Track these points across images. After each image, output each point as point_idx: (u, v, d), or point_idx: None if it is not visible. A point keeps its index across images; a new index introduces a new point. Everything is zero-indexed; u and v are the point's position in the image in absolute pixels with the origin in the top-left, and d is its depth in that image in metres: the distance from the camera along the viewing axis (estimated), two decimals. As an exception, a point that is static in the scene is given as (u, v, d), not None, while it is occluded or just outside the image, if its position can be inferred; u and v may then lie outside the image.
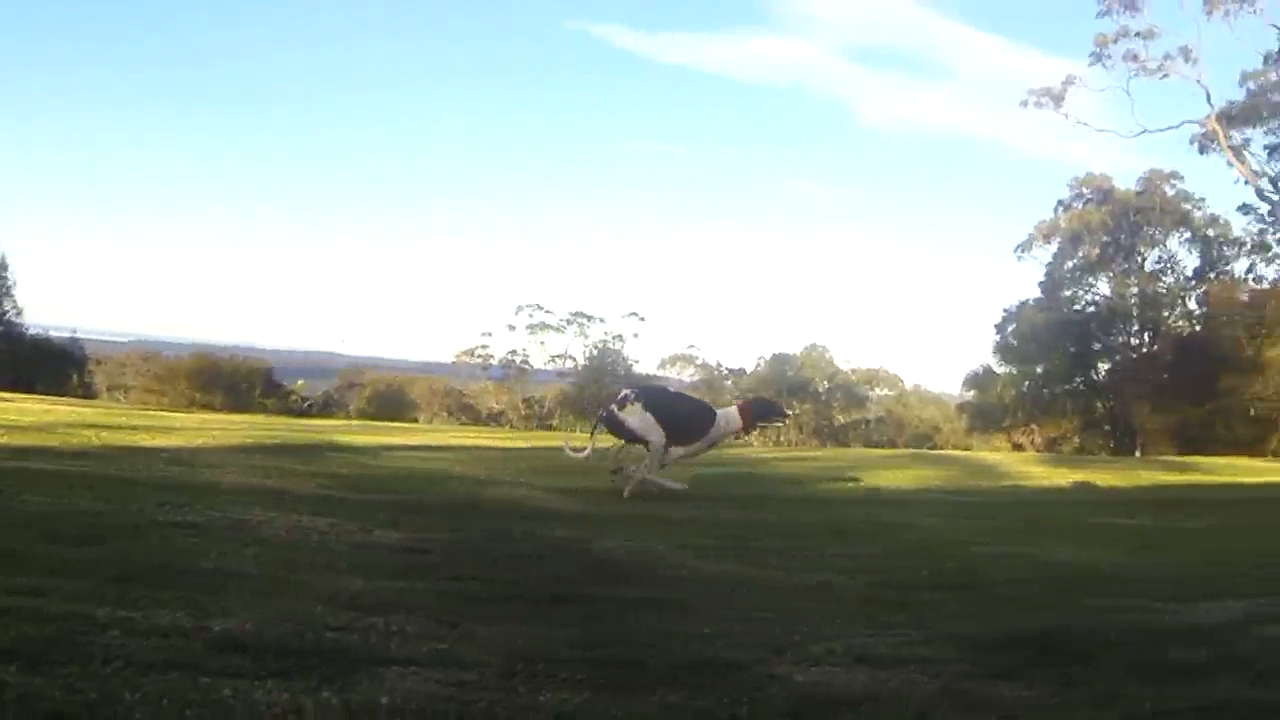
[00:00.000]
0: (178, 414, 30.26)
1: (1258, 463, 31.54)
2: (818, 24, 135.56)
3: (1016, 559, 10.32)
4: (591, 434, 15.24)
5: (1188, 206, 50.96)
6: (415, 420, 52.33)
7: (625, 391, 14.63)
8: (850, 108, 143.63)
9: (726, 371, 64.12)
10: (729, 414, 14.71)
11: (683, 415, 14.50)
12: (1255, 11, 41.44)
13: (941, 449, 49.63)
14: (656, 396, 14.92)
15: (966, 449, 50.01)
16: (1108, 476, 21.81)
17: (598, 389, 55.85)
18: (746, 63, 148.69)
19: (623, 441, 14.52)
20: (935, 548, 10.82)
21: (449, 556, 8.70)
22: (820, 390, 63.49)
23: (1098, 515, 14.31)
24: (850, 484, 18.38)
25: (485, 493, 13.95)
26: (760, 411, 15.40)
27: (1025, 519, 13.96)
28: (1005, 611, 7.65)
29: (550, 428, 53.11)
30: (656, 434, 13.94)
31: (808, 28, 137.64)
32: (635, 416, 14.05)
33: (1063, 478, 21.43)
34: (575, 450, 15.35)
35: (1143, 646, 6.44)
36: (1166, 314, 50.81)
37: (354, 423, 39.56)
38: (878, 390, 67.12)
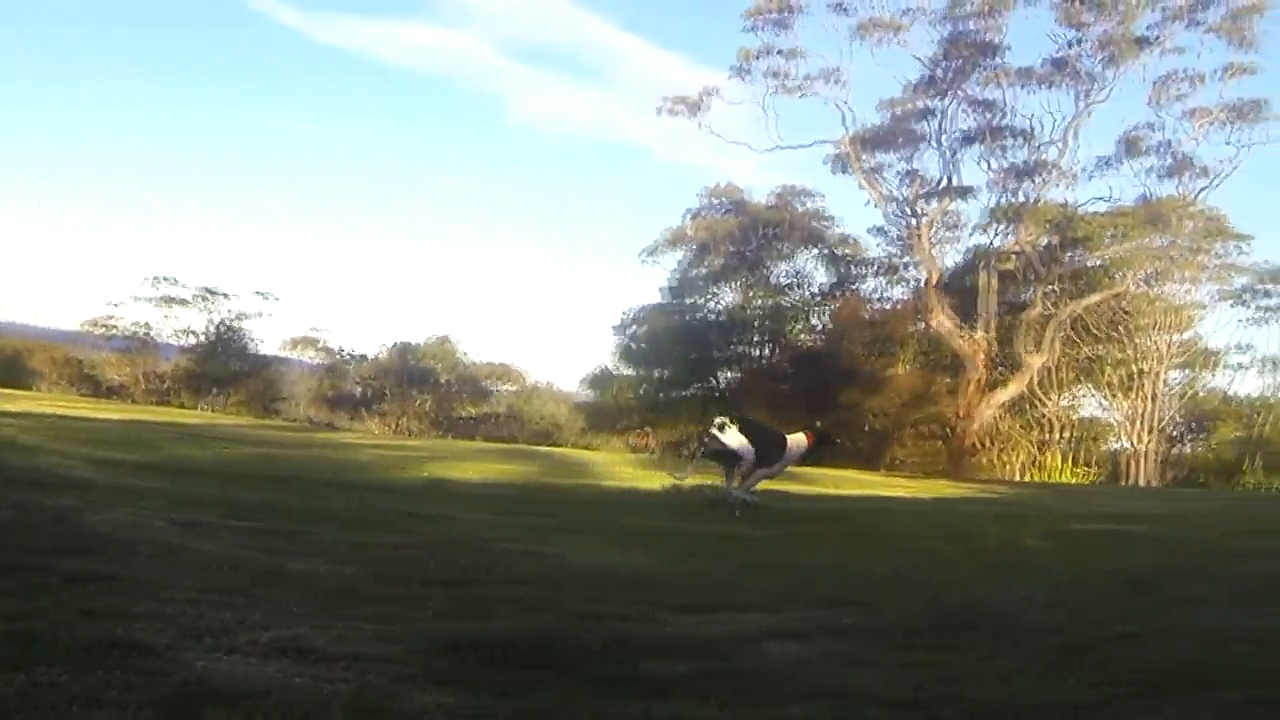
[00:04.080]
0: None
1: (869, 475, 32.54)
2: (475, 16, 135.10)
3: (542, 559, 10.08)
4: (692, 460, 16.70)
5: (820, 224, 52.80)
6: (31, 389, 49.43)
7: (721, 419, 15.94)
8: (502, 103, 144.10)
9: (350, 357, 62.77)
10: (798, 439, 16.27)
11: (765, 440, 15.92)
12: (902, 43, 43.27)
13: (561, 447, 49.78)
14: (746, 422, 16.11)
15: (587, 448, 50.34)
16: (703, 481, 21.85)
17: (216, 366, 55.40)
18: (402, 49, 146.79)
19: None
20: (460, 542, 10.57)
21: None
22: (444, 382, 62.98)
23: (665, 519, 14.31)
24: (424, 475, 17.83)
25: (15, 460, 13.69)
26: (820, 439, 17.01)
27: (581, 519, 13.86)
28: (492, 612, 7.38)
29: (168, 403, 51.50)
30: (749, 451, 15.37)
31: (465, 19, 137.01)
32: (733, 438, 15.35)
33: (656, 481, 21.34)
34: (679, 479, 16.78)
35: (626, 657, 6.27)
36: (790, 327, 52.41)
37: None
38: (503, 385, 67.15)
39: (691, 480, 16.69)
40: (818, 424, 18.22)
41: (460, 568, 8.99)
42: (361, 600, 7.33)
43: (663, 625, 7.32)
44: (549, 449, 38.10)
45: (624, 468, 25.18)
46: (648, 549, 11.22)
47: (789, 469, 17.26)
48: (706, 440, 16.12)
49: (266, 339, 58.91)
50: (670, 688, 5.75)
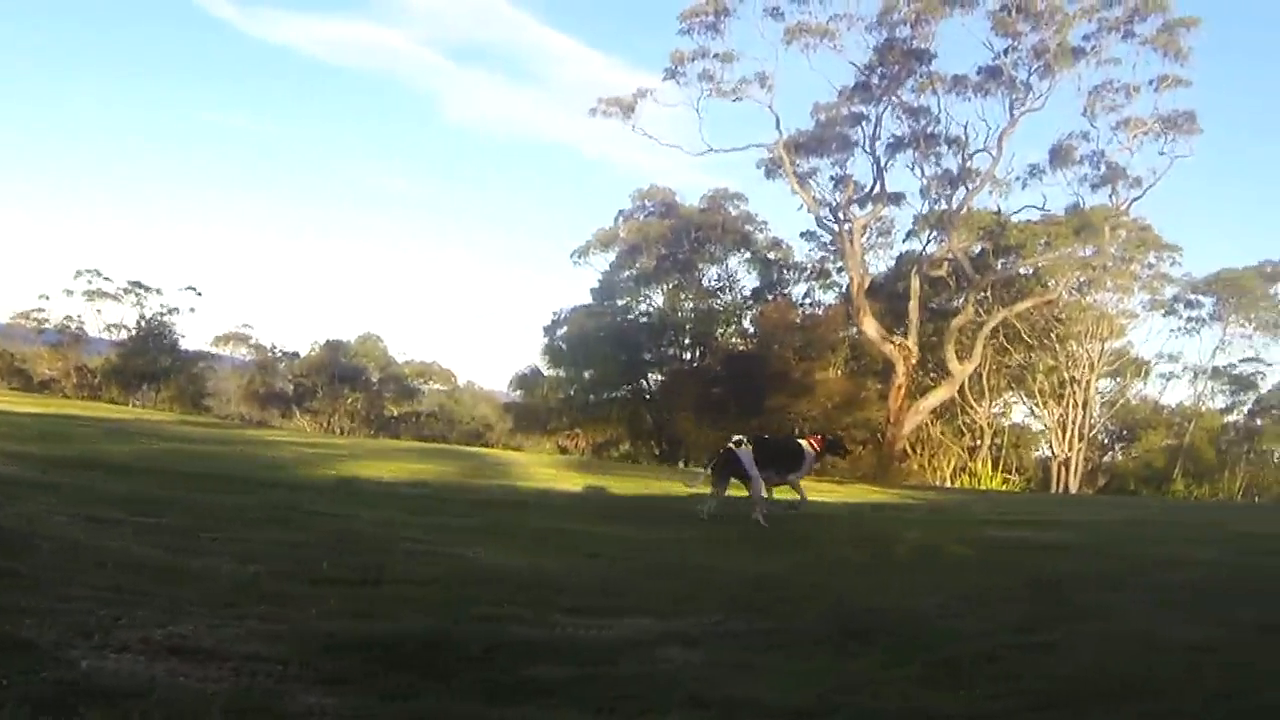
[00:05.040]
0: None
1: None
2: (413, 15, 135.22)
3: (443, 559, 9.88)
4: (706, 470, 17.34)
5: (750, 228, 52.99)
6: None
7: (738, 437, 16.82)
8: (437, 102, 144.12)
9: (280, 354, 62.61)
10: (808, 446, 17.30)
11: (785, 451, 17.20)
12: (836, 48, 43.17)
13: (491, 447, 49.58)
14: (761, 441, 17.24)
15: (516, 449, 50.20)
16: (624, 484, 21.73)
17: (144, 361, 55.26)
18: (337, 46, 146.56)
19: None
20: (363, 542, 10.42)
21: None
22: (373, 380, 62.74)
23: (575, 521, 14.18)
24: (334, 473, 17.56)
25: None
26: (830, 445, 18.18)
27: (490, 519, 13.64)
28: (389, 613, 7.23)
29: (99, 398, 51.50)
30: (756, 471, 16.19)
31: (402, 18, 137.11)
32: (746, 455, 16.22)
33: (575, 482, 21.21)
34: (690, 483, 17.95)
35: (514, 660, 6.16)
36: (720, 330, 52.42)
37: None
38: (431, 384, 67.13)
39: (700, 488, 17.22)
40: (826, 435, 18.93)
41: (359, 567, 8.81)
42: (258, 599, 7.20)
43: (555, 628, 7.17)
44: (475, 449, 37.87)
45: (544, 469, 25.00)
46: (553, 550, 11.08)
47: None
48: (721, 453, 16.78)
49: (196, 334, 59.06)
50: (552, 692, 5.65)
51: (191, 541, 9.32)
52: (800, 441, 17.54)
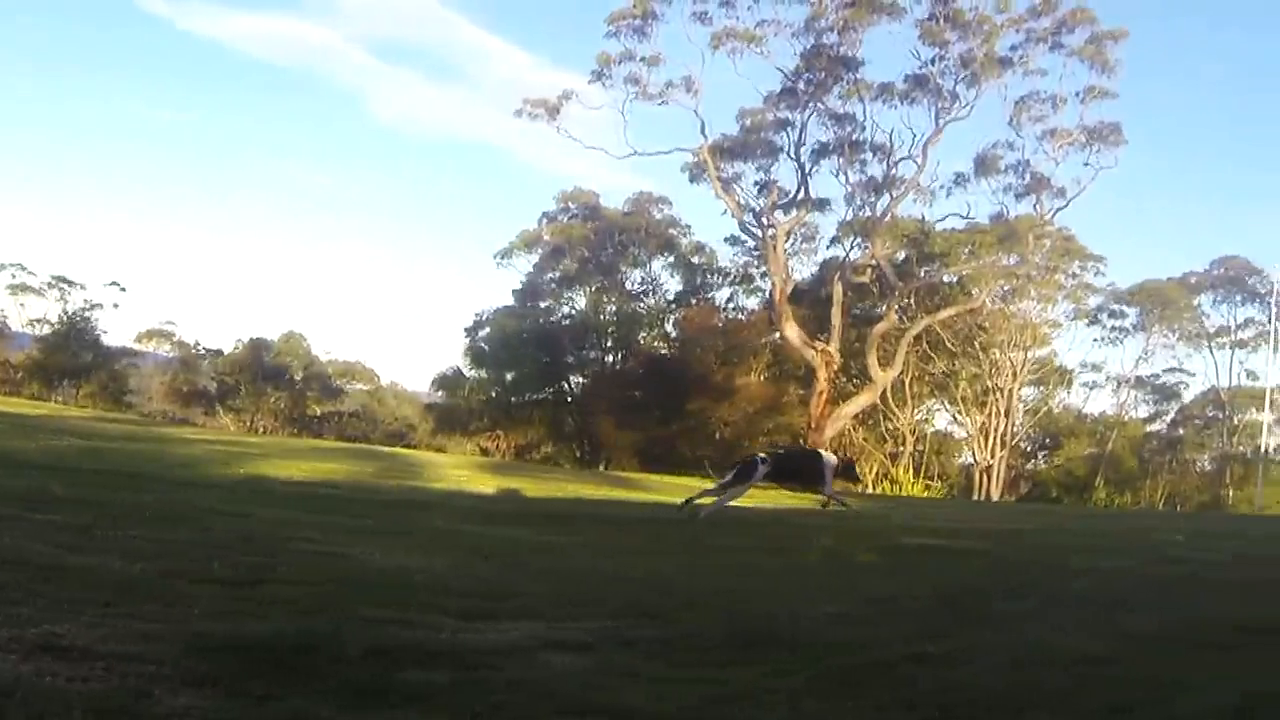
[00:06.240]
0: None
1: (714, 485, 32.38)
2: (342, 13, 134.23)
3: (338, 559, 9.78)
4: (729, 474, 17.95)
5: (674, 232, 53.19)
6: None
7: (763, 454, 17.89)
8: (366, 100, 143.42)
9: (204, 351, 62.16)
10: (829, 455, 18.74)
11: (807, 463, 18.58)
12: (762, 53, 43.37)
13: (413, 448, 49.36)
14: (780, 458, 18.52)
15: (439, 450, 50.05)
16: (538, 486, 21.64)
17: (65, 357, 54.99)
18: (265, 41, 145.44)
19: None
20: (257, 541, 10.29)
21: None
22: (296, 379, 62.39)
23: (483, 523, 14.10)
24: (240, 472, 17.43)
25: None
26: (844, 466, 19.40)
27: (393, 520, 13.52)
28: (270, 613, 7.09)
29: (19, 394, 51.25)
30: (744, 489, 17.45)
31: (331, 15, 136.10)
32: (759, 473, 17.22)
33: (490, 484, 21.09)
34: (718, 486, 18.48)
35: (392, 664, 6.05)
36: (643, 334, 52.60)
37: None
38: (354, 384, 66.92)
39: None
40: (846, 457, 20.90)
41: (249, 567, 8.67)
42: (141, 598, 7.03)
43: (440, 631, 7.06)
44: (393, 449, 37.68)
45: (459, 470, 24.90)
46: (450, 552, 10.94)
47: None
48: (748, 459, 17.65)
49: (119, 330, 58.80)
50: (427, 697, 5.54)
51: (83, 539, 9.14)
52: (820, 451, 18.81)
